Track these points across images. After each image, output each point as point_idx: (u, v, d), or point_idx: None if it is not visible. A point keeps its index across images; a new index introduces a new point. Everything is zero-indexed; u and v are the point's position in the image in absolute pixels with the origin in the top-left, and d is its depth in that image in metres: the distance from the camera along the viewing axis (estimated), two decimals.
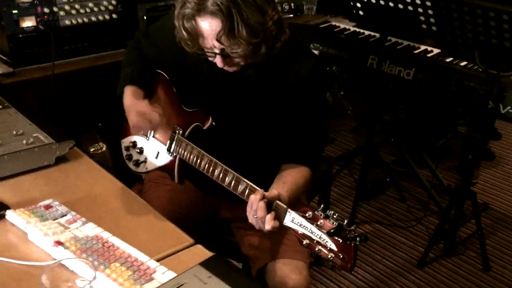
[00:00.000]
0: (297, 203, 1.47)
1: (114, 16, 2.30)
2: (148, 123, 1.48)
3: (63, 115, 2.20)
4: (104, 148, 2.46)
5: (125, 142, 1.71)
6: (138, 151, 1.65)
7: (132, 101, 1.55)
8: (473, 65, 2.33)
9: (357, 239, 1.10)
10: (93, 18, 2.24)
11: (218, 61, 1.35)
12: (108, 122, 2.60)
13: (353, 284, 2.42)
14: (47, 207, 1.30)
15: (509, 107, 2.15)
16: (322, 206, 1.19)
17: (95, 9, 2.23)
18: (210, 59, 1.36)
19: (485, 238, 2.57)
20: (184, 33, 1.32)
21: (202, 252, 1.24)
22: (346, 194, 3.02)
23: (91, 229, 1.24)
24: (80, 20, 2.20)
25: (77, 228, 1.23)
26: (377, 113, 2.78)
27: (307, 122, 1.47)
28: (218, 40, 1.28)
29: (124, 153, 1.74)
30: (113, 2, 2.28)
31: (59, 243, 1.16)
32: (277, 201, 1.27)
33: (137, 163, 1.69)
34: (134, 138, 1.68)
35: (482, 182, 3.25)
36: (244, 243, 1.59)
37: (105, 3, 2.25)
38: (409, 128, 3.32)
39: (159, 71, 1.67)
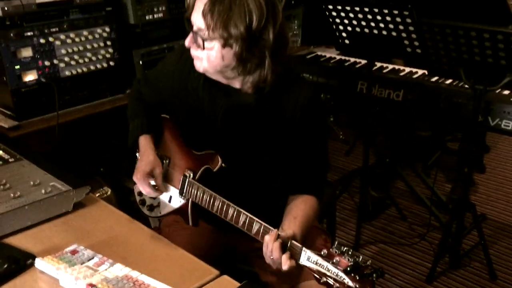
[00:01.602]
0: (310, 228, 1.52)
1: (111, 63, 2.37)
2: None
3: (66, 163, 2.23)
4: (109, 192, 2.49)
5: (137, 187, 1.74)
6: None
7: (146, 155, 1.62)
8: (459, 82, 2.44)
9: (374, 275, 1.12)
10: (92, 67, 2.31)
11: (188, 38, 1.42)
12: (111, 167, 2.64)
13: None
14: (73, 252, 1.33)
15: (497, 119, 2.25)
16: (336, 243, 1.21)
17: (93, 58, 2.30)
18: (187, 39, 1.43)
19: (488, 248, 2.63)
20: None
21: (229, 282, 1.28)
22: (348, 217, 3.07)
23: (119, 270, 1.27)
24: (79, 70, 2.27)
25: (106, 270, 1.26)
26: (370, 135, 2.87)
27: (310, 150, 1.51)
28: (202, 14, 1.34)
29: (137, 198, 1.75)
30: (110, 50, 2.35)
31: (92, 285, 1.19)
32: (292, 241, 1.29)
33: (151, 208, 1.71)
34: None
35: (478, 194, 3.33)
36: (265, 270, 1.61)
37: (102, 51, 2.33)
38: (401, 148, 3.41)
39: (164, 115, 1.72)
